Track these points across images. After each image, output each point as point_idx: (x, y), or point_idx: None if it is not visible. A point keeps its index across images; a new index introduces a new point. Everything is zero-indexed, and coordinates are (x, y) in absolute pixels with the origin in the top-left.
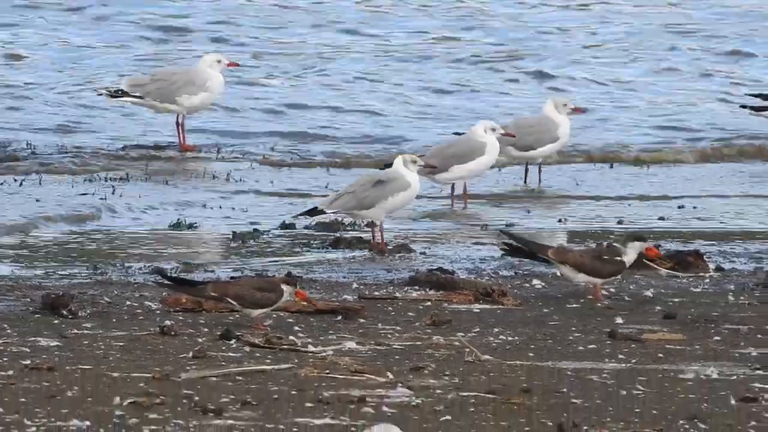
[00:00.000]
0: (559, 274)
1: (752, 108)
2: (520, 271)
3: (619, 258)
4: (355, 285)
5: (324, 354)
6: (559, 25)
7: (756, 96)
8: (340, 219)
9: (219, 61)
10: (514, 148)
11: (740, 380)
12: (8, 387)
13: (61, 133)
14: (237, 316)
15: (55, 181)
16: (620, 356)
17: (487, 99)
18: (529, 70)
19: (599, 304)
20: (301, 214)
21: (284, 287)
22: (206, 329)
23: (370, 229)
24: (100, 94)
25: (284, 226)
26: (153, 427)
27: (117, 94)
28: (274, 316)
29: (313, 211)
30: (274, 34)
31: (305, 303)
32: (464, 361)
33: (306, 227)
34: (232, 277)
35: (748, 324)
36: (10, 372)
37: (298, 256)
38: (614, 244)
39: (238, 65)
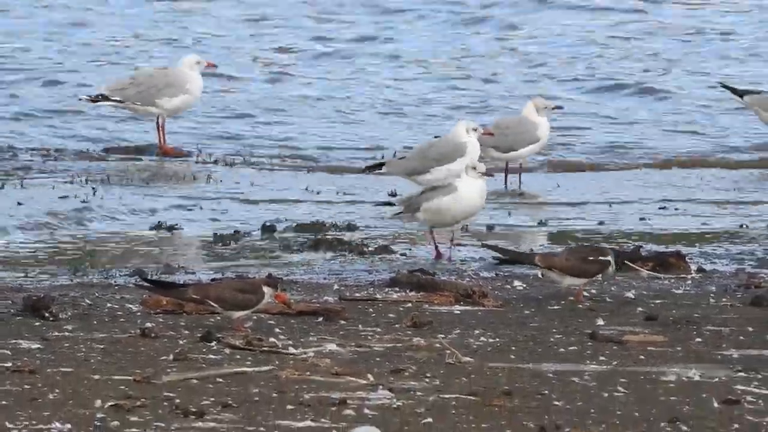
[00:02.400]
0: (540, 275)
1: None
2: (501, 273)
3: (603, 257)
4: (335, 286)
5: (305, 356)
6: None
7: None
8: (323, 220)
9: (198, 62)
10: (495, 149)
11: (722, 382)
12: None
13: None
14: (218, 318)
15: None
16: (602, 358)
17: None
18: None
19: (580, 306)
20: (378, 204)
21: (265, 289)
22: (187, 331)
23: (348, 232)
24: (81, 99)
25: (265, 228)
26: (134, 430)
27: (97, 98)
28: (255, 318)
29: (388, 204)
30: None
31: (284, 305)
32: (445, 363)
33: (286, 228)
34: (213, 279)
35: (730, 325)
36: None
37: (278, 257)
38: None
39: (215, 66)
